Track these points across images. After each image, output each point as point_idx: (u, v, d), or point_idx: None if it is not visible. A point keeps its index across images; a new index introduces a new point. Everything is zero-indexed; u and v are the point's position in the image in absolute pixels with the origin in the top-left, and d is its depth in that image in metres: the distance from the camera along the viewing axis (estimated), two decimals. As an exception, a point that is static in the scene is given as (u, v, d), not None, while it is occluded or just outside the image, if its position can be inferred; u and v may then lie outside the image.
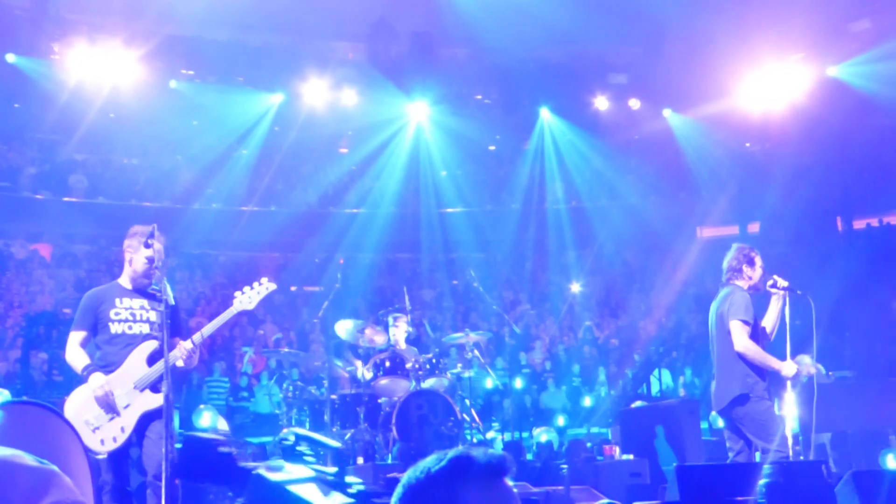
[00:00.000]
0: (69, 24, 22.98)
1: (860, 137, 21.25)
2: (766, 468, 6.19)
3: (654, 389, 15.81)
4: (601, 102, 24.94)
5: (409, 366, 11.37)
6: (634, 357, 18.75)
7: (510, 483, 2.24)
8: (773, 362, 7.81)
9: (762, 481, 6.10)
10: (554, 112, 25.33)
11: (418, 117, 24.75)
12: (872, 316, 18.91)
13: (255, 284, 7.43)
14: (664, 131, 24.97)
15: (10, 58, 21.59)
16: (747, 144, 26.05)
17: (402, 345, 12.03)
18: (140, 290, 7.20)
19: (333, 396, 11.39)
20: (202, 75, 24.08)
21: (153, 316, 7.08)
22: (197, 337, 6.99)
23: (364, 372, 11.41)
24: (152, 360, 6.88)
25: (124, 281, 7.27)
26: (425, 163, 25.11)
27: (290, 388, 11.96)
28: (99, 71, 21.47)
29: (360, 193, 25.20)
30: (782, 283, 8.05)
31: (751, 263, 8.17)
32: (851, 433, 12.08)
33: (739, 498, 6.10)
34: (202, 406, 14.20)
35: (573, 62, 25.91)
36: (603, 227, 24.41)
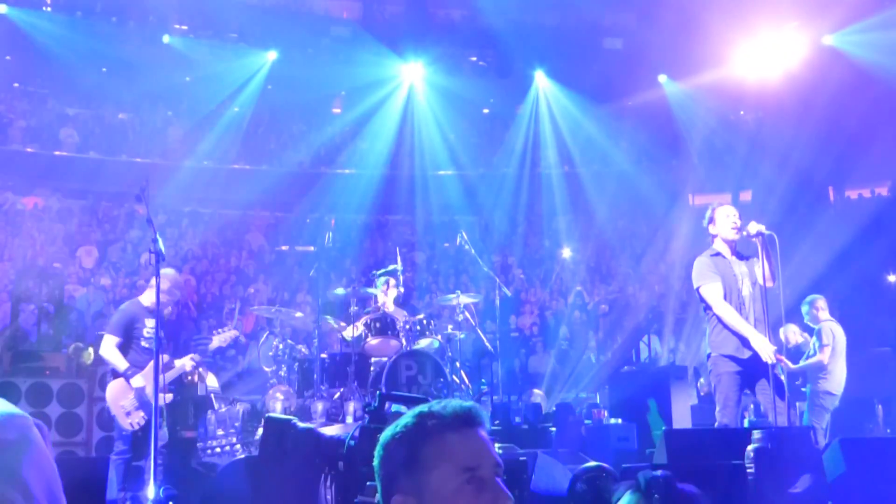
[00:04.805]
0: (62, -25, 22.74)
1: (854, 107, 21.20)
2: (756, 433, 6.20)
3: (643, 355, 15.85)
4: (596, 67, 24.77)
5: (399, 326, 11.39)
6: (624, 323, 18.78)
7: (484, 434, 2.27)
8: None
9: (751, 446, 6.11)
10: (549, 76, 25.20)
11: (412, 78, 24.59)
12: (862, 286, 18.97)
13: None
14: (659, 98, 24.89)
15: (2, 8, 21.36)
16: (741, 113, 26.02)
17: (391, 306, 12.06)
18: (152, 312, 9.33)
19: (323, 355, 11.40)
20: (196, 30, 23.86)
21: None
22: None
23: (353, 329, 11.43)
24: (164, 369, 9.13)
25: (146, 301, 9.52)
26: (419, 124, 24.98)
27: (280, 346, 11.97)
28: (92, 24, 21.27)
29: (352, 154, 25.11)
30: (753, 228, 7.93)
31: (711, 221, 8.18)
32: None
33: (727, 462, 6.12)
34: (192, 362, 14.17)
35: (569, 26, 25.77)
36: (595, 193, 24.36)
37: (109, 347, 9.33)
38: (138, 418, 9.21)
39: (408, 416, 2.28)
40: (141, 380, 9.22)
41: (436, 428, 2.22)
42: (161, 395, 9.07)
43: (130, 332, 9.37)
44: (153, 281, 9.46)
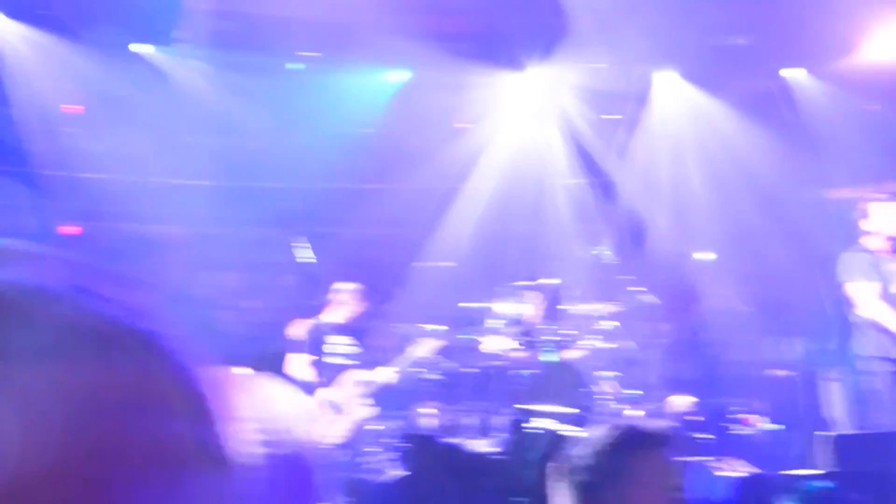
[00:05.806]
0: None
1: None
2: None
3: (788, 356, 15.44)
4: (720, 62, 24.25)
5: (543, 339, 11.37)
6: (768, 325, 18.35)
7: (669, 453, 2.35)
8: None
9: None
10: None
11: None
12: None
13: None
14: (786, 90, 24.30)
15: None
16: (873, 104, 25.24)
17: (536, 319, 12.03)
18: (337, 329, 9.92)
19: (469, 369, 11.46)
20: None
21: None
22: None
23: (494, 345, 11.46)
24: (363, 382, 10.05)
25: (329, 318, 9.89)
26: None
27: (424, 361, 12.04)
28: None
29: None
30: None
31: (864, 216, 7.96)
32: None
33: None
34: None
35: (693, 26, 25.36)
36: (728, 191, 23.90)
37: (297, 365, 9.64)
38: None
39: (615, 428, 2.37)
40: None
41: (647, 445, 2.30)
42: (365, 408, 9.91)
43: (317, 349, 9.58)
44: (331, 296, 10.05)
